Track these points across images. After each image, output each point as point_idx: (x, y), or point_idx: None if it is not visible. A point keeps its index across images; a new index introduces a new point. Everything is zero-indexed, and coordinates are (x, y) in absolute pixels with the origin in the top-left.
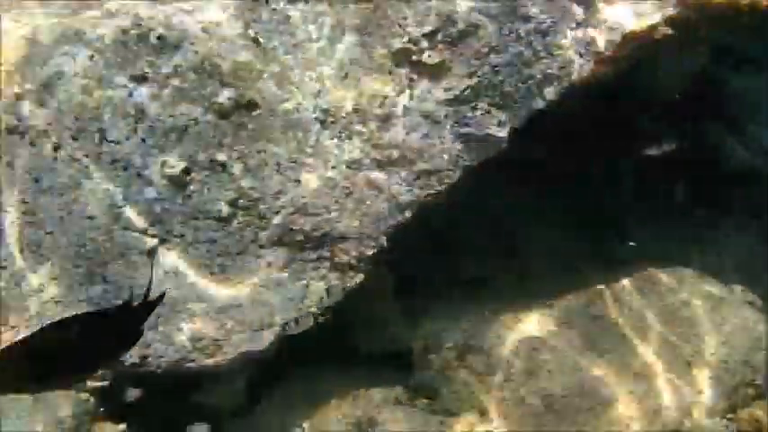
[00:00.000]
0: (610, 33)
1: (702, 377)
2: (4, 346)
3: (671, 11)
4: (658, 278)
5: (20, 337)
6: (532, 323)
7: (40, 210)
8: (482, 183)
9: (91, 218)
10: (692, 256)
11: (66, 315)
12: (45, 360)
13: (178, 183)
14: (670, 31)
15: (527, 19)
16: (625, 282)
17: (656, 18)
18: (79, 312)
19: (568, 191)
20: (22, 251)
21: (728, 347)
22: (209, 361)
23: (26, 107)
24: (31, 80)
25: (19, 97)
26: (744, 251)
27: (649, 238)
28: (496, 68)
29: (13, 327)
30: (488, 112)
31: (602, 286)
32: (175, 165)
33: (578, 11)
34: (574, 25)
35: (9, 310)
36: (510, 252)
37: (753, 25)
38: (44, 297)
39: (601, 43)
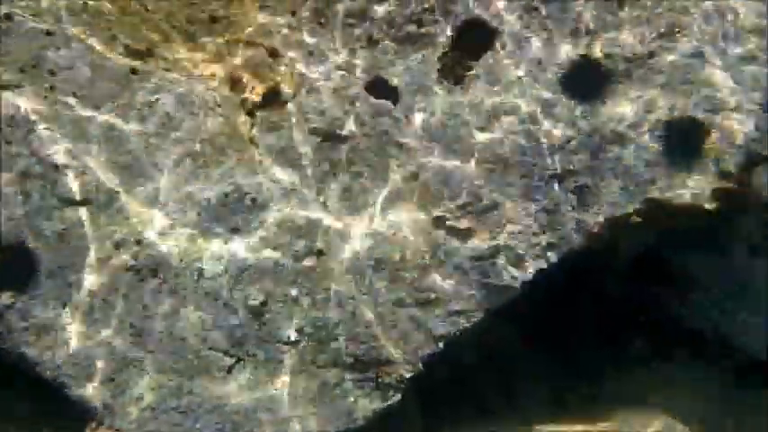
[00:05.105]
0: (596, 217)
1: None
2: None
3: (639, 205)
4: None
5: None
6: None
7: (146, 333)
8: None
9: (183, 339)
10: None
11: (157, 424)
12: None
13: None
14: (639, 220)
15: (535, 201)
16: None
17: (629, 209)
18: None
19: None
20: (127, 366)
21: None
22: None
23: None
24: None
25: (138, 243)
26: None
27: (617, 383)
28: (512, 235)
29: (117, 430)
30: (505, 268)
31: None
32: (256, 298)
33: (574, 199)
34: (569, 208)
35: (115, 416)
36: (513, 390)
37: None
38: (142, 405)
39: (589, 223)
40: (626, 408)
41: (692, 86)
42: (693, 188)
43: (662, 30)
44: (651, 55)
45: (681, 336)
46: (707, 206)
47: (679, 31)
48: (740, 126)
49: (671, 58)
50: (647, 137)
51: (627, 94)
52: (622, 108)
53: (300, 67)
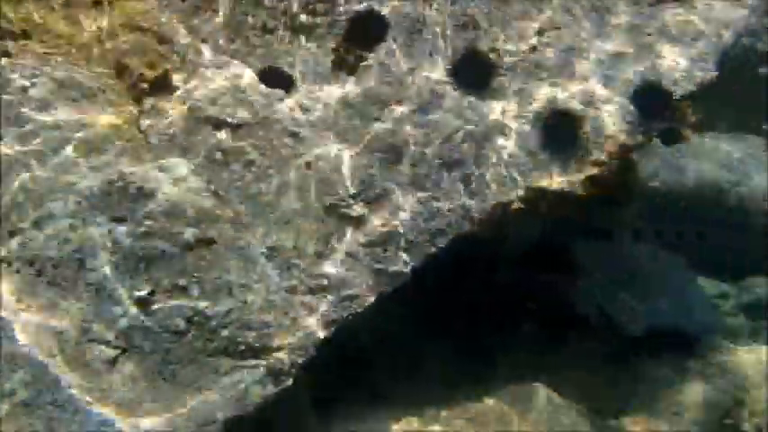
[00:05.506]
0: (481, 203)
1: None
2: None
3: (521, 192)
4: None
5: None
6: None
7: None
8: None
9: (61, 332)
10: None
11: (31, 419)
12: None
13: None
14: (521, 206)
15: (424, 189)
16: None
17: (512, 196)
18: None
19: (456, 323)
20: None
21: None
22: None
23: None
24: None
25: (12, 234)
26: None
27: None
28: (403, 222)
29: None
30: (396, 254)
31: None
32: (142, 288)
33: (461, 187)
34: (457, 195)
35: None
36: (406, 374)
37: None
38: (14, 400)
39: (476, 209)
40: (513, 390)
41: (568, 80)
42: (569, 176)
43: (542, 26)
44: (532, 50)
45: (571, 320)
46: (581, 192)
47: (558, 28)
48: (611, 118)
49: (549, 53)
50: (528, 127)
51: (510, 87)
52: (506, 100)
53: (191, 53)
